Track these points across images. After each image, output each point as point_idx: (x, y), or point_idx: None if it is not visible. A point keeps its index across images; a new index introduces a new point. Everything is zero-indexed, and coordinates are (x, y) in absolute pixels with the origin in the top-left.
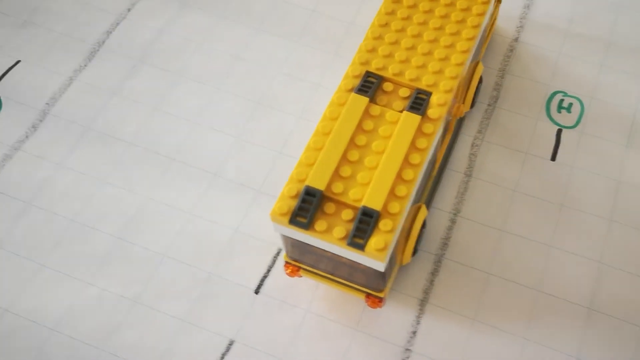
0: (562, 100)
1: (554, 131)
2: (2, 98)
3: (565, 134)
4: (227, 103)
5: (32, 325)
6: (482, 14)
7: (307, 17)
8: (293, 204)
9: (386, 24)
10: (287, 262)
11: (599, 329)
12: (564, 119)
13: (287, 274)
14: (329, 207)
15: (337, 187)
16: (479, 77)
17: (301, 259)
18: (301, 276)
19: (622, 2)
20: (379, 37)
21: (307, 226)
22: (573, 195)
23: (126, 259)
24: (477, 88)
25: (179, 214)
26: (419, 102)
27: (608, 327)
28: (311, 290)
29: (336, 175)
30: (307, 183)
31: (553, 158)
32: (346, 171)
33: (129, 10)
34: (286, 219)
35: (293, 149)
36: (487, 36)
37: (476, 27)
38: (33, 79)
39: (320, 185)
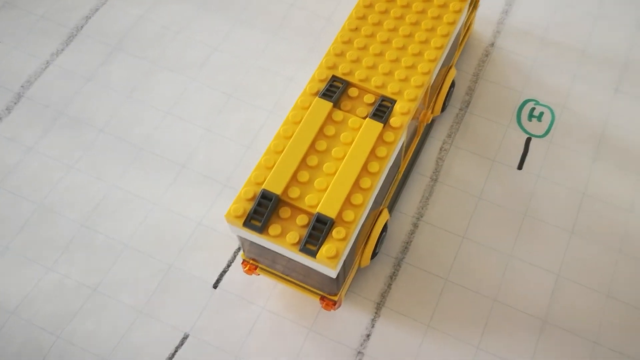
0: (533, 109)
1: (523, 139)
2: None
3: (534, 142)
4: (200, 94)
5: None
6: (452, 23)
7: (286, 10)
8: (249, 206)
9: (356, 29)
10: (244, 260)
11: (552, 342)
12: (534, 127)
13: (244, 271)
14: (285, 212)
15: (294, 192)
16: (450, 82)
17: (258, 258)
18: (258, 274)
19: (598, 13)
20: (348, 42)
21: (261, 230)
22: (537, 206)
23: (89, 246)
24: (449, 93)
25: (144, 203)
26: (382, 110)
27: (562, 340)
28: (269, 288)
29: (294, 179)
30: (264, 186)
31: (520, 167)
32: (304, 176)
33: None
34: (240, 222)
35: (262, 144)
36: (462, 41)
37: (445, 36)
38: (10, 61)
39: (276, 189)
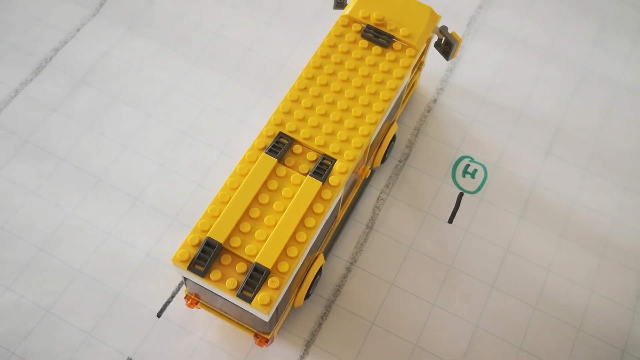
0: (468, 166)
1: (456, 194)
2: None
3: (466, 198)
4: (156, 130)
5: None
6: (394, 89)
7: (243, 54)
8: (194, 252)
9: (305, 88)
10: (187, 295)
11: None
12: (467, 184)
13: (186, 305)
14: (226, 259)
15: (235, 241)
16: (391, 137)
17: (199, 295)
18: (199, 308)
19: (538, 77)
20: (297, 100)
21: (203, 274)
22: (462, 259)
23: (45, 269)
24: (389, 146)
25: (98, 232)
26: (322, 168)
27: None
28: (208, 321)
29: (236, 229)
30: (208, 234)
31: (450, 221)
32: (246, 227)
33: (78, 30)
34: (185, 265)
35: (211, 183)
36: (406, 98)
37: (387, 100)
38: None
39: (220, 237)
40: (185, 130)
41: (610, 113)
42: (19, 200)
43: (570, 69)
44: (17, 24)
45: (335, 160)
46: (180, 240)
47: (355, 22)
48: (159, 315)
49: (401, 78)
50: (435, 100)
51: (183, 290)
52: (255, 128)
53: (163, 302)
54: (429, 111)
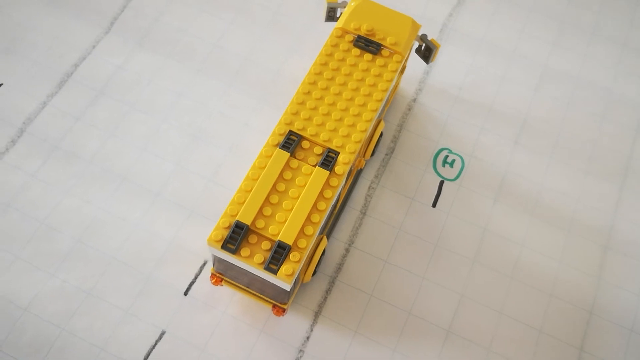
0: (446, 156)
1: (437, 182)
2: None
3: (446, 185)
4: (169, 134)
5: (8, 305)
6: (384, 90)
7: (241, 63)
8: (225, 233)
9: (309, 92)
10: (212, 274)
11: (454, 348)
12: (447, 172)
13: (212, 283)
14: (253, 238)
15: (260, 223)
16: (379, 133)
17: (224, 272)
18: (222, 285)
19: (504, 76)
20: (302, 103)
21: (235, 252)
22: (446, 238)
23: (83, 258)
24: (378, 141)
25: (126, 224)
26: (328, 160)
27: (462, 347)
28: (229, 297)
29: (260, 213)
30: (237, 218)
31: (434, 205)
32: (268, 211)
33: (93, 47)
34: (219, 245)
35: (221, 178)
36: (390, 99)
37: (379, 100)
38: (13, 100)
39: (247, 220)
40: (195, 133)
41: (570, 106)
42: (55, 199)
43: (533, 68)
44: (40, 43)
45: (338, 153)
46: (198, 228)
47: (348, 33)
48: (185, 293)
49: (390, 81)
50: (414, 100)
51: (210, 270)
52: (257, 129)
53: (188, 282)
54: (409, 110)
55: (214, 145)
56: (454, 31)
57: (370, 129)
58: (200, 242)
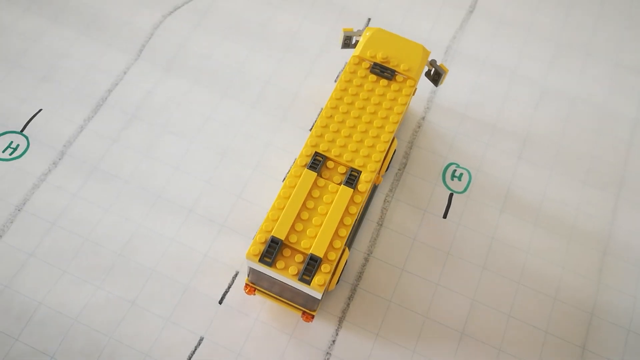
0: (455, 170)
1: (447, 195)
2: (30, 139)
3: (455, 197)
4: (199, 154)
5: (60, 316)
6: (400, 113)
7: (262, 87)
8: (262, 248)
9: (331, 116)
10: (247, 284)
11: (468, 349)
12: (456, 185)
13: (245, 292)
14: (287, 252)
15: (293, 238)
16: (393, 150)
17: (257, 283)
18: (255, 295)
19: (507, 94)
20: (326, 126)
21: (271, 264)
22: (457, 247)
23: (125, 270)
24: (392, 158)
25: (163, 239)
26: (352, 179)
27: (474, 347)
28: (260, 304)
29: (292, 229)
30: (272, 234)
31: (445, 216)
32: (299, 226)
33: (125, 73)
34: (257, 259)
35: (248, 194)
36: (402, 117)
37: (395, 122)
38: (53, 124)
39: (281, 235)
40: (223, 153)
41: (568, 122)
42: (97, 216)
43: (533, 87)
44: (75, 71)
45: (360, 172)
46: (229, 241)
47: (364, 60)
48: (220, 302)
49: (404, 104)
50: (424, 118)
51: (240, 277)
52: (279, 147)
53: (222, 292)
54: (419, 127)
55: (241, 164)
56: (458, 53)
57: (387, 149)
58: (232, 254)
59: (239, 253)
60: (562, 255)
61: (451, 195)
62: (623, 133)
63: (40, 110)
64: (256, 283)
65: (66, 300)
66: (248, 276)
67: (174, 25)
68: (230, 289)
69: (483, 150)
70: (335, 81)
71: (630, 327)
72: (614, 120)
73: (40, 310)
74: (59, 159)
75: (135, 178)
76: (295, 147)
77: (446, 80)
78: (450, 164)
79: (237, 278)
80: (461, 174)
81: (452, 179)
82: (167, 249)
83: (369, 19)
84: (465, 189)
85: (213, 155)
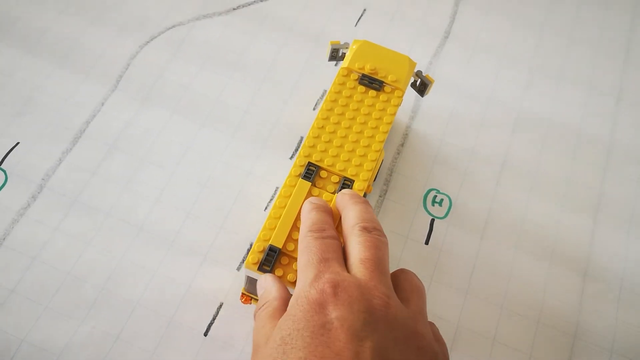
0: (435, 196)
1: (429, 220)
2: (7, 173)
3: (437, 223)
4: (180, 184)
5: (43, 353)
6: (389, 123)
7: (241, 116)
8: (260, 256)
9: (322, 127)
10: (243, 294)
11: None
12: (437, 211)
13: (242, 302)
14: (284, 260)
15: (290, 246)
16: (381, 160)
17: (254, 292)
18: (251, 303)
19: (482, 122)
20: (318, 137)
21: (270, 272)
22: (440, 273)
23: (108, 305)
24: (379, 167)
25: (146, 272)
26: (345, 188)
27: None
28: (246, 335)
29: (289, 238)
30: (270, 242)
31: (427, 242)
32: (296, 235)
33: (102, 104)
34: (256, 267)
35: (230, 225)
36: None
37: (385, 132)
38: (31, 158)
39: (278, 244)
40: (204, 183)
41: (544, 146)
42: (78, 250)
43: (508, 112)
44: (51, 103)
45: (353, 181)
46: (212, 273)
47: (353, 72)
48: (205, 334)
49: (393, 114)
50: (402, 144)
51: (241, 290)
52: (260, 177)
53: (207, 324)
54: (398, 154)
55: (222, 194)
56: (435, 79)
57: (378, 159)
58: (215, 285)
59: (223, 284)
60: (544, 278)
61: (432, 221)
62: (597, 156)
63: (18, 143)
64: (253, 292)
65: (49, 336)
66: (244, 286)
67: (151, 55)
68: (215, 321)
69: (462, 176)
70: (315, 109)
71: (613, 348)
72: (589, 143)
73: (22, 348)
74: (38, 193)
75: (116, 210)
76: (275, 176)
77: (423, 107)
78: (431, 189)
79: (221, 309)
80: (442, 200)
81: (433, 205)
82: (150, 282)
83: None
84: (446, 215)
85: (194, 185)
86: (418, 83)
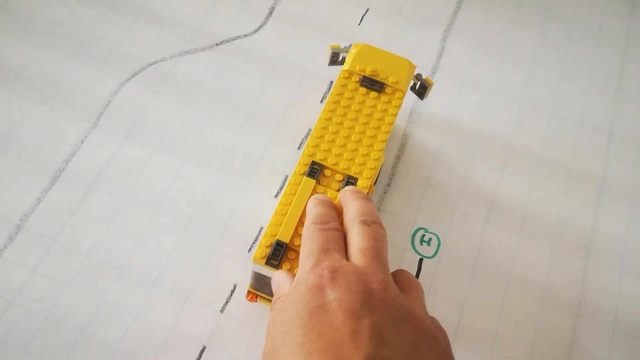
0: (423, 235)
1: (417, 260)
2: None
3: (425, 262)
4: (162, 223)
5: None
6: (390, 123)
7: (225, 153)
8: (267, 251)
9: (325, 127)
10: (249, 291)
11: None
12: (425, 250)
13: (247, 299)
14: (291, 254)
15: (297, 241)
16: (381, 164)
17: (261, 289)
18: (257, 301)
19: (471, 158)
20: (321, 137)
21: (277, 266)
22: (430, 314)
23: (88, 348)
24: (380, 171)
25: (127, 314)
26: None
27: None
28: None
29: (295, 233)
30: (277, 237)
31: None
32: (301, 230)
33: (82, 142)
34: (263, 261)
35: (213, 266)
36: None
37: (387, 132)
38: (8, 197)
39: (285, 239)
40: (186, 222)
41: (534, 184)
42: (57, 292)
43: (497, 148)
44: (30, 141)
45: (357, 179)
46: (194, 315)
47: (354, 74)
48: None
49: (395, 115)
50: (389, 185)
51: (247, 287)
52: (245, 216)
53: None
54: (385, 193)
55: (205, 234)
56: (423, 115)
57: (381, 158)
58: (198, 328)
59: (206, 327)
60: (535, 319)
61: (421, 261)
62: (589, 194)
63: None
64: (259, 289)
65: None
66: (251, 283)
67: (132, 91)
68: None
69: (450, 214)
70: (298, 148)
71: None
72: (579, 181)
73: None
74: (16, 234)
75: (96, 251)
76: (260, 214)
77: (411, 142)
78: (419, 228)
79: (204, 353)
80: (430, 239)
81: (422, 244)
82: (130, 325)
83: (331, 82)
84: (434, 254)
85: (176, 224)
86: (418, 86)
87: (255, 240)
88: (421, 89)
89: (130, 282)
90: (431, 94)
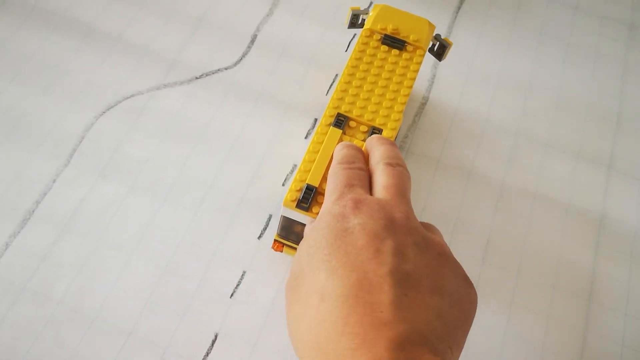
0: None
1: None
2: None
3: None
4: (138, 269)
5: None
6: (412, 79)
7: (205, 191)
8: (298, 195)
9: (349, 82)
10: (275, 240)
11: None
12: None
13: (273, 249)
14: (320, 198)
15: (324, 186)
16: (399, 125)
17: (288, 237)
18: (282, 251)
19: (465, 194)
20: (345, 90)
21: (307, 209)
22: None
23: None
24: (398, 132)
25: None
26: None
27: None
28: None
29: (324, 178)
30: (307, 182)
31: None
32: None
33: (54, 181)
34: (294, 204)
35: (193, 314)
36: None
37: (409, 87)
38: None
39: (315, 183)
40: (165, 267)
41: (530, 222)
42: (27, 344)
43: (490, 186)
44: None
45: (381, 129)
46: None
47: (375, 32)
48: None
49: (416, 71)
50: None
51: (274, 237)
52: (226, 259)
53: None
54: None
55: (184, 278)
56: (412, 149)
57: (404, 110)
58: None
59: None
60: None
61: None
62: (589, 232)
63: None
64: (286, 237)
65: None
66: (278, 231)
67: (107, 126)
68: None
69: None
70: (283, 185)
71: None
72: (579, 219)
73: None
74: None
75: (68, 299)
76: (243, 257)
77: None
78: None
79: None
80: None
81: None
82: None
83: (315, 120)
84: None
85: (153, 269)
86: (436, 47)
87: (238, 285)
88: (440, 49)
89: (104, 331)
90: (421, 128)
